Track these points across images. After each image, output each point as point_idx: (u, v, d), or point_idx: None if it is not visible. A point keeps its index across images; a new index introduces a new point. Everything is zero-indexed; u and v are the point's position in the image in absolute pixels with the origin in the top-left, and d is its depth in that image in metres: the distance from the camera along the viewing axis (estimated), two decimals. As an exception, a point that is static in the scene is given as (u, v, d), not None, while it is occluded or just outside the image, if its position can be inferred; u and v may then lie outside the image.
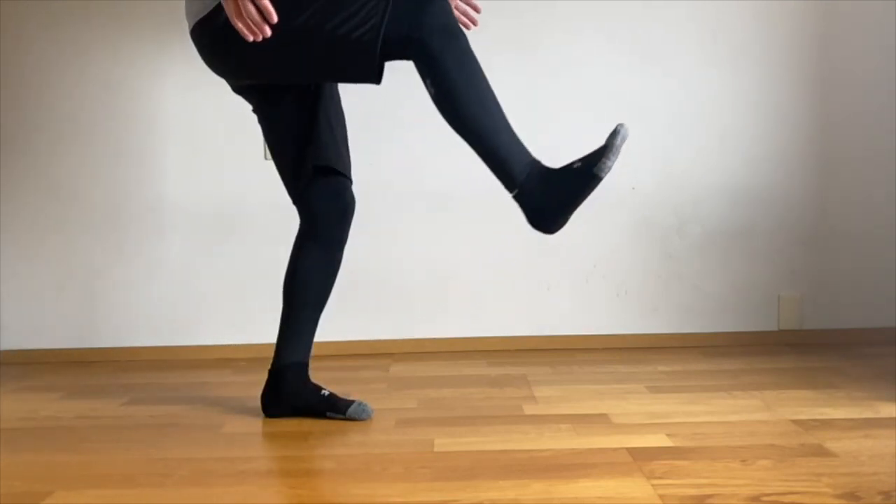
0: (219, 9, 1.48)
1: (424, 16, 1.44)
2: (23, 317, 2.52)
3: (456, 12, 1.74)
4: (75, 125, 2.47)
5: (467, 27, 1.75)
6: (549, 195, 1.43)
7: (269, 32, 1.37)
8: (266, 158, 2.44)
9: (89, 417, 1.84)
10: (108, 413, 1.87)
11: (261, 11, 1.36)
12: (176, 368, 2.36)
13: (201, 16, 1.55)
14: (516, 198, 1.46)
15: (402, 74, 2.40)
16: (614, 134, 1.39)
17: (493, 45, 2.41)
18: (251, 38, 1.38)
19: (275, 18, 1.35)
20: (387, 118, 2.39)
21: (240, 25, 1.37)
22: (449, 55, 1.43)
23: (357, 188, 1.78)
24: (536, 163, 1.46)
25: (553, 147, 2.44)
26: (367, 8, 1.43)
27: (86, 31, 2.44)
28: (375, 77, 1.48)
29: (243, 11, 1.35)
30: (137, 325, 2.51)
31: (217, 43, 1.56)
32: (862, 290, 2.46)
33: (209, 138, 2.46)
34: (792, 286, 2.48)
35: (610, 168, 1.38)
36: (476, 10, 1.76)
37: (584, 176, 1.40)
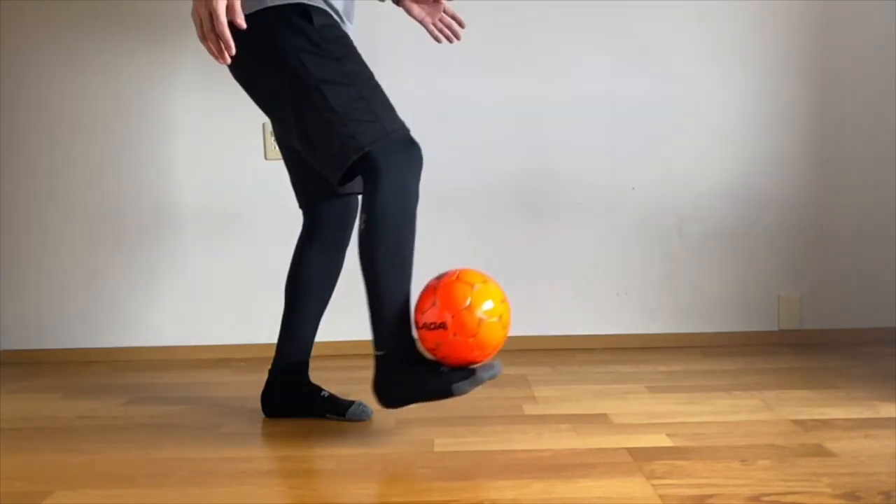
0: None
1: (404, 163, 1.48)
2: (23, 317, 2.52)
3: (440, 24, 1.79)
4: (75, 125, 2.47)
5: (450, 40, 1.81)
6: (406, 379, 1.47)
7: (228, 61, 1.38)
8: (266, 158, 2.44)
9: (89, 417, 1.84)
10: (108, 413, 1.87)
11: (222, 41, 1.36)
12: (176, 368, 2.36)
13: None
14: (377, 359, 1.49)
15: (402, 76, 2.40)
16: (488, 368, 1.46)
17: (492, 45, 2.43)
18: (217, 61, 1.40)
19: (233, 51, 1.36)
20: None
21: (204, 47, 1.39)
22: (395, 210, 1.46)
23: (357, 188, 1.78)
24: (412, 344, 1.48)
25: (553, 147, 2.47)
26: (371, 127, 1.44)
27: (88, 32, 2.44)
28: (336, 179, 1.48)
29: (207, 37, 1.36)
30: (137, 325, 2.51)
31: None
32: (862, 290, 2.46)
33: (209, 139, 2.46)
34: (792, 286, 2.48)
35: (466, 392, 1.43)
36: (461, 24, 1.80)
37: (442, 385, 1.44)
